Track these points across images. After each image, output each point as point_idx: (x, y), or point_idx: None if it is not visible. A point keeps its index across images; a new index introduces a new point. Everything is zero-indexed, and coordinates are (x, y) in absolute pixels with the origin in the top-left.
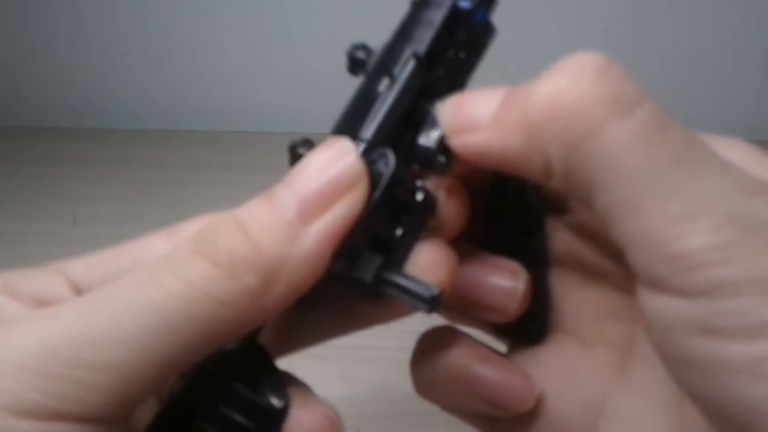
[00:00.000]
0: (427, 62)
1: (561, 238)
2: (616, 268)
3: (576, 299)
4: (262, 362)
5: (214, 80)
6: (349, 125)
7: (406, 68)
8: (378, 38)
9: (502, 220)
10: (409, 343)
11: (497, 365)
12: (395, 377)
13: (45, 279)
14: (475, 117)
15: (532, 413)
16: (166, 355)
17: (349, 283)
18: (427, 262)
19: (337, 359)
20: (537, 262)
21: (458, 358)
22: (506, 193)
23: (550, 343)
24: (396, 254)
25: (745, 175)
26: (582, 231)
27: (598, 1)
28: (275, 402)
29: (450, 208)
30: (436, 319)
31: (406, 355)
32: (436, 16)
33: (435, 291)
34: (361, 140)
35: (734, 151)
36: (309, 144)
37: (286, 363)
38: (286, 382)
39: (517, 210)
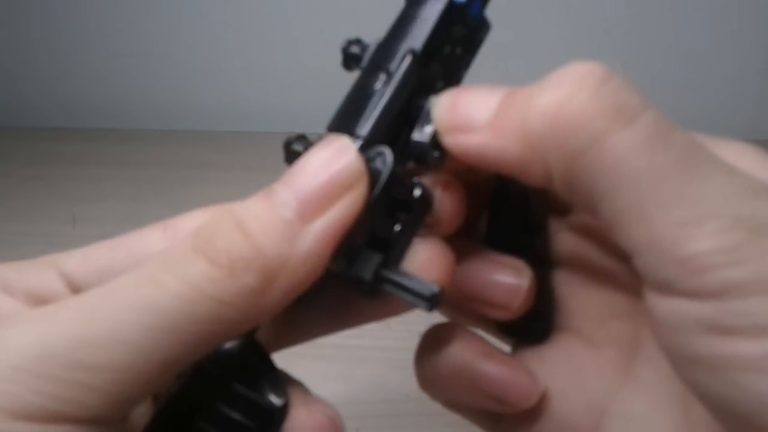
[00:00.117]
0: (423, 58)
1: (565, 239)
2: (621, 268)
3: (581, 299)
4: (261, 361)
5: (214, 80)
6: (345, 122)
7: (402, 65)
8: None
9: (505, 219)
10: (409, 343)
11: (501, 361)
12: (395, 377)
13: (38, 273)
14: (471, 117)
15: (537, 412)
16: (165, 355)
17: (348, 281)
18: (424, 259)
19: (337, 359)
20: (541, 262)
21: (462, 353)
22: (508, 194)
23: (554, 342)
24: (394, 251)
25: (749, 177)
26: (586, 232)
27: (598, 1)
28: (275, 400)
29: (446, 204)
30: (438, 319)
31: (406, 355)
32: (433, 11)
33: (435, 289)
34: (358, 137)
35: (737, 154)
36: (304, 140)
37: (285, 363)
38: (285, 381)
39: (519, 210)
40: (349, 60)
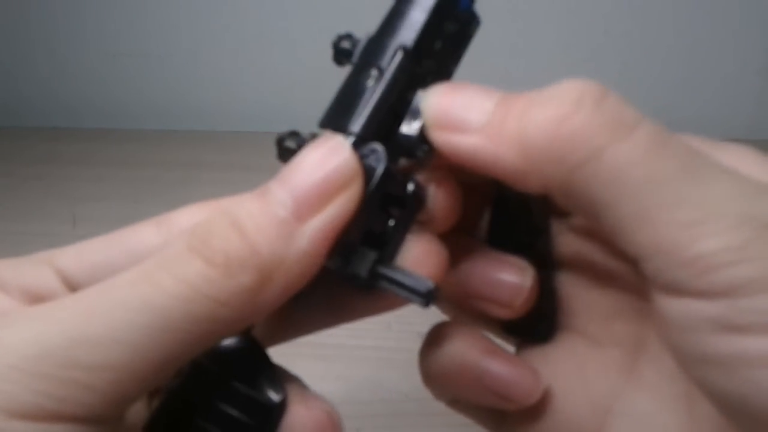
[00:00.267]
0: (415, 55)
1: (568, 241)
2: (625, 269)
3: (584, 299)
4: (258, 357)
5: (214, 80)
6: (337, 118)
7: (394, 61)
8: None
9: (506, 221)
10: (409, 343)
11: (504, 358)
12: (394, 377)
13: (33, 270)
14: (465, 118)
15: (541, 411)
16: (162, 354)
17: (343, 278)
18: (418, 256)
19: (337, 359)
20: (544, 262)
21: (466, 350)
22: (508, 196)
23: (558, 342)
24: (388, 247)
25: (749, 178)
26: (588, 233)
27: (598, 1)
28: (273, 396)
29: (440, 201)
30: (439, 319)
31: (406, 355)
32: (423, 6)
33: (430, 285)
34: (351, 134)
35: (736, 157)
36: (296, 136)
37: (285, 362)
38: (283, 377)
39: (520, 212)
40: (340, 55)
